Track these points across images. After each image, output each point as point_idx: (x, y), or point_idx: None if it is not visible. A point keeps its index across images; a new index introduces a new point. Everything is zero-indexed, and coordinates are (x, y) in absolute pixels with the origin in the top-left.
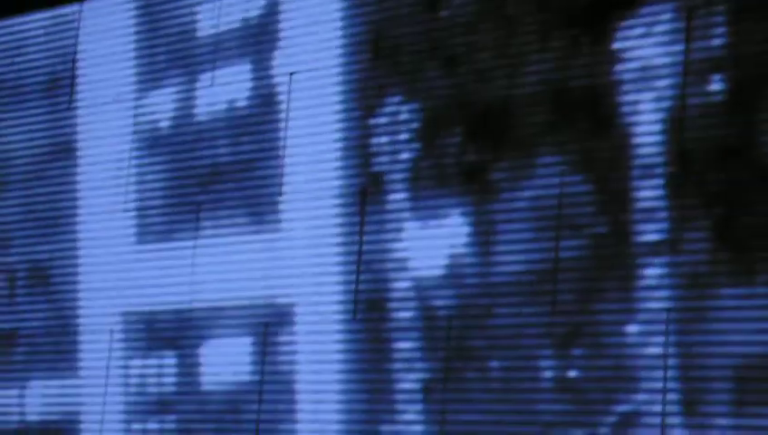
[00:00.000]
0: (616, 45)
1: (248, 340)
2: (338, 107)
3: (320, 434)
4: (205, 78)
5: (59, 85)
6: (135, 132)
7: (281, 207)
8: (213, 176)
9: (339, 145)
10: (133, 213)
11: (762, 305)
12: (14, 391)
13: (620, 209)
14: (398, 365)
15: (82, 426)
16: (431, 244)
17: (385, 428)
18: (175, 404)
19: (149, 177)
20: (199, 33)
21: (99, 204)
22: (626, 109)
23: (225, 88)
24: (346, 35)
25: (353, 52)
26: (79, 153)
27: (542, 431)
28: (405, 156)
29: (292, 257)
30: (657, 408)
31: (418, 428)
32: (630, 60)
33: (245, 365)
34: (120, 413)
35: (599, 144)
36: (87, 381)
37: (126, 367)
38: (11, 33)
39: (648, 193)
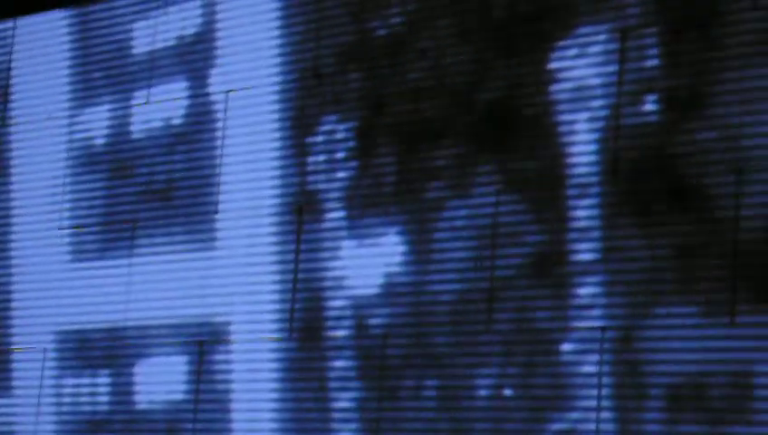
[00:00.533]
0: (551, 65)
1: (183, 358)
2: (274, 125)
3: None
4: (140, 95)
5: None
6: (69, 150)
7: (217, 225)
8: (148, 194)
9: (275, 163)
10: (67, 231)
11: (696, 324)
12: None
13: (556, 228)
14: (333, 384)
15: None
16: (367, 262)
17: None
18: (108, 423)
19: (84, 195)
20: (135, 51)
21: (32, 222)
22: (561, 128)
23: (160, 106)
24: (283, 54)
25: (290, 71)
26: (12, 170)
27: None
28: (341, 175)
29: (228, 275)
30: (592, 426)
31: None
32: (565, 80)
33: (180, 384)
34: (53, 433)
35: (534, 163)
36: (20, 401)
37: (59, 386)
38: None
39: (583, 212)
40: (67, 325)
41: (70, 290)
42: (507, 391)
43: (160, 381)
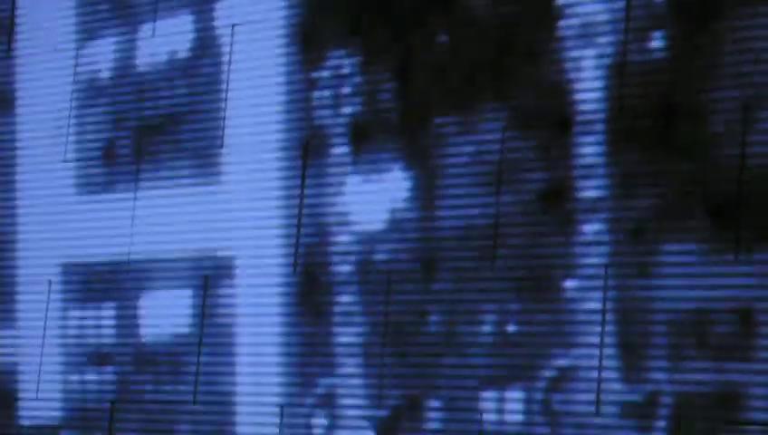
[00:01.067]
0: (559, 1)
1: (188, 292)
2: (280, 60)
3: (259, 387)
4: (146, 29)
5: None
6: (75, 82)
7: (222, 159)
8: (153, 127)
9: (281, 98)
10: (73, 164)
11: (700, 262)
12: None
13: (561, 165)
14: (337, 319)
15: (20, 377)
16: (372, 198)
17: (324, 380)
18: (113, 356)
19: (89, 127)
20: None
21: (38, 154)
22: (567, 65)
23: (166, 39)
24: None
25: (296, 5)
26: (17, 103)
27: (480, 385)
28: (347, 110)
29: (233, 210)
30: (595, 363)
31: (357, 381)
32: (572, 16)
33: (185, 318)
34: (58, 364)
35: (540, 99)
36: (25, 332)
37: (64, 318)
38: None
39: (589, 149)
40: (72, 258)
41: (75, 223)
42: (510, 328)
43: (165, 314)
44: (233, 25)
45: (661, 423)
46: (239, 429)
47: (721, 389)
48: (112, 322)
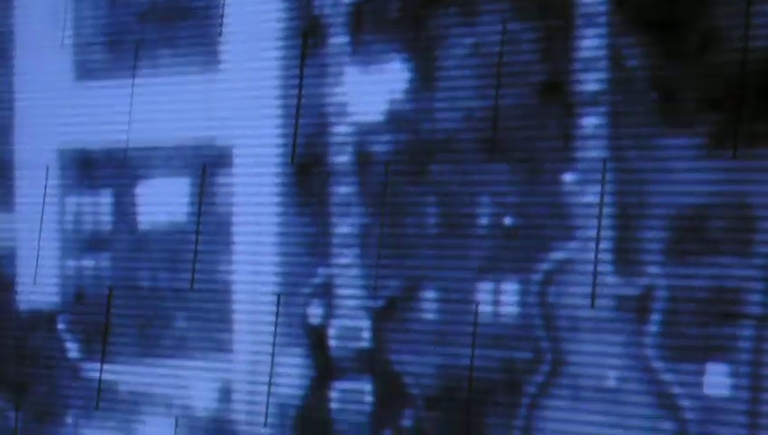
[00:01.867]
0: None
1: (186, 180)
2: None
3: (256, 275)
4: None
5: None
6: None
7: (221, 47)
8: (153, 14)
9: None
10: (71, 49)
11: (699, 156)
12: None
13: (562, 58)
14: (335, 209)
15: (17, 262)
16: (371, 89)
17: (321, 270)
18: (110, 243)
19: (88, 12)
20: None
21: (36, 39)
22: None
23: None
24: None
25: None
26: None
27: (476, 277)
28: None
29: (232, 99)
30: (591, 256)
31: (354, 271)
32: None
33: (182, 206)
34: (56, 249)
35: None
36: (22, 217)
37: (62, 204)
38: None
39: (590, 42)
40: (69, 144)
41: (73, 109)
42: (507, 220)
43: (163, 202)
44: None
45: (656, 317)
46: (236, 316)
47: (716, 284)
48: (109, 208)
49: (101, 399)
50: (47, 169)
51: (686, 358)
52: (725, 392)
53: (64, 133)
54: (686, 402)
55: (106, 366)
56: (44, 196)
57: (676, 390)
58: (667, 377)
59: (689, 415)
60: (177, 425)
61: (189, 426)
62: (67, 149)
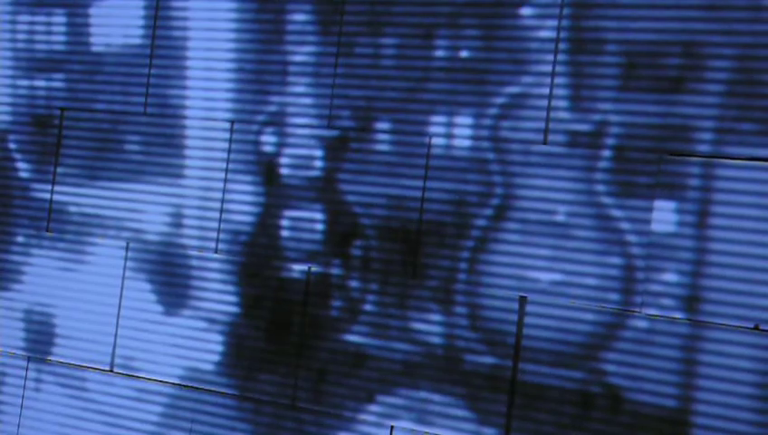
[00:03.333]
0: None
1: (141, 2)
2: None
3: (210, 102)
4: None
5: None
6: None
7: None
8: None
9: None
10: None
11: None
12: None
13: None
14: (290, 38)
15: None
16: None
17: (274, 99)
18: (63, 63)
19: None
20: None
21: None
22: None
23: None
24: None
25: None
26: None
27: (430, 109)
28: None
29: None
30: (545, 91)
31: (308, 100)
32: None
33: (137, 28)
34: (7, 69)
35: None
36: None
37: (14, 22)
38: None
39: None
40: None
41: None
42: (464, 53)
43: (117, 24)
44: None
45: (607, 153)
46: (189, 142)
47: (667, 121)
48: (63, 29)
49: (52, 220)
50: None
51: (635, 194)
52: (672, 229)
53: None
54: (633, 238)
55: (57, 188)
56: None
57: (625, 225)
58: (616, 213)
59: (636, 250)
60: (127, 249)
61: (140, 250)
62: None
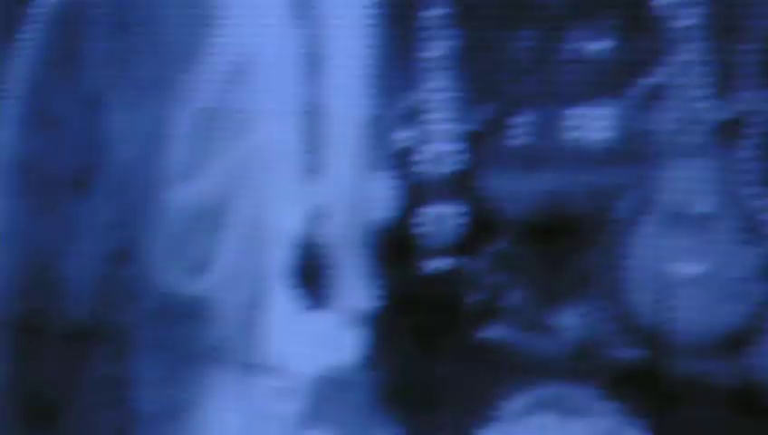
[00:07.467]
0: None
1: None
2: None
3: (346, 99)
4: None
5: None
6: None
7: None
8: None
9: None
10: None
11: None
12: None
13: None
14: (427, 33)
15: None
16: None
17: (411, 94)
18: None
19: None
20: None
21: None
22: None
23: None
24: None
25: None
26: None
27: (568, 101)
28: None
29: None
30: (685, 81)
31: (444, 95)
32: None
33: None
34: None
35: None
36: None
37: None
38: None
39: None
40: None
41: None
42: (602, 44)
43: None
44: None
45: (750, 142)
46: (327, 139)
47: None
48: None
49: None
50: None
51: None
52: None
53: None
54: None
55: None
56: None
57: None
58: (757, 204)
59: None
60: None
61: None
62: None
